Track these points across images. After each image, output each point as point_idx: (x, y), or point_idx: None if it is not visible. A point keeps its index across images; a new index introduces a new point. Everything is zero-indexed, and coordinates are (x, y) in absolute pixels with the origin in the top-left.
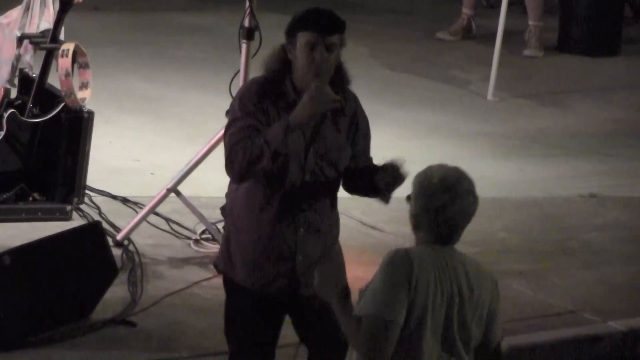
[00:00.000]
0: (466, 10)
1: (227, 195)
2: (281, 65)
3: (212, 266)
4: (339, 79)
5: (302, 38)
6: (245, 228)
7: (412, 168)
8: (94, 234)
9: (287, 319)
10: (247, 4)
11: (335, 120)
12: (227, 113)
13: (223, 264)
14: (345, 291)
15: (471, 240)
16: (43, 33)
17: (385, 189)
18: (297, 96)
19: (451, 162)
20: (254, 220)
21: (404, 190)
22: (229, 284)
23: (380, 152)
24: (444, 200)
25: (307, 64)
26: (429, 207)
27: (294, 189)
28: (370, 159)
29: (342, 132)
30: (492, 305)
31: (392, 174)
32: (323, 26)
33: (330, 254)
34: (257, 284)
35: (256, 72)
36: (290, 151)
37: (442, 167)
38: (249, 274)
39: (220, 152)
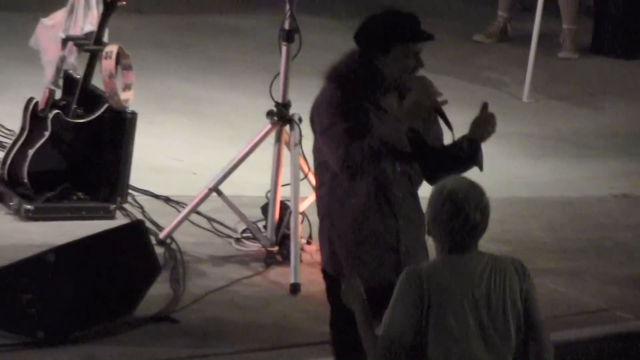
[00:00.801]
0: (502, 13)
1: (317, 196)
2: (366, 71)
3: (253, 263)
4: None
5: (400, 47)
6: (349, 225)
7: None
8: (137, 233)
9: None
10: (287, 6)
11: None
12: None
13: (333, 268)
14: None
15: (506, 238)
16: (87, 35)
17: (482, 139)
18: (382, 95)
19: (486, 163)
20: (358, 216)
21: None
22: (335, 284)
23: None
24: (450, 213)
25: (404, 69)
26: (436, 218)
27: (390, 182)
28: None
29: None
30: (522, 286)
31: (485, 121)
32: (417, 36)
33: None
34: (362, 278)
35: (296, 74)
36: (404, 146)
37: (456, 181)
38: (364, 273)
39: (260, 153)
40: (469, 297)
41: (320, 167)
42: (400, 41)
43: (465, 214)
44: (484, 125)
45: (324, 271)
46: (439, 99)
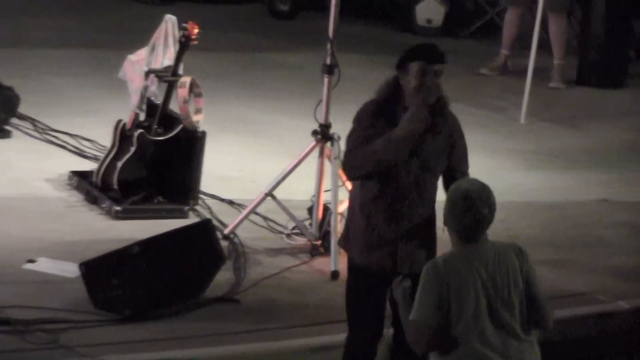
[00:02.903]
0: (504, 51)
1: (350, 193)
2: (393, 91)
3: (301, 254)
4: (441, 103)
5: (415, 66)
6: (361, 217)
7: None
8: (205, 229)
9: None
10: (329, 45)
11: (433, 136)
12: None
13: (344, 243)
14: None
15: (507, 235)
16: (166, 68)
17: None
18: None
19: (490, 173)
20: (368, 211)
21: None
22: (350, 265)
23: None
24: (463, 209)
25: (418, 87)
26: (452, 212)
27: (399, 188)
28: (467, 166)
29: (439, 146)
30: (522, 266)
31: None
32: (431, 56)
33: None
34: (368, 262)
35: (336, 101)
36: (398, 159)
37: (470, 181)
38: (363, 254)
39: (306, 165)
40: (480, 279)
41: None
42: (415, 59)
43: (475, 208)
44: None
45: (340, 244)
46: (428, 123)
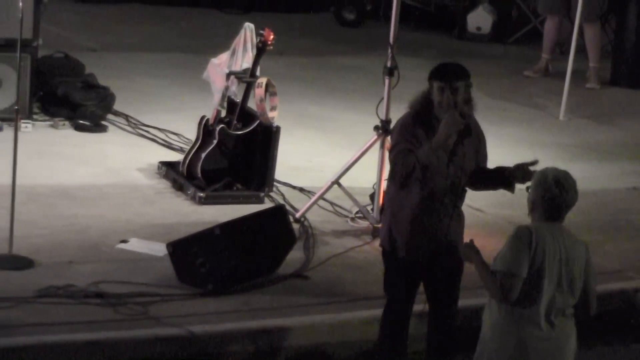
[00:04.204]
0: (545, 56)
1: (385, 194)
2: (426, 103)
3: (363, 236)
4: (468, 109)
5: (435, 85)
6: (405, 217)
7: None
8: (279, 213)
9: None
10: (389, 50)
11: (465, 140)
12: (376, 128)
13: (388, 244)
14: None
15: None
16: (244, 70)
17: (516, 181)
18: (438, 124)
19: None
20: (412, 212)
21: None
22: (390, 257)
23: None
24: (555, 193)
25: (439, 102)
26: (544, 196)
27: (439, 190)
28: (486, 161)
29: (471, 147)
30: (586, 262)
31: (524, 171)
32: (448, 76)
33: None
34: (413, 256)
35: (396, 100)
36: (440, 163)
37: (555, 169)
38: (407, 250)
39: (368, 156)
40: (558, 255)
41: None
42: (435, 79)
43: (566, 191)
44: (522, 173)
45: (382, 246)
46: (463, 126)
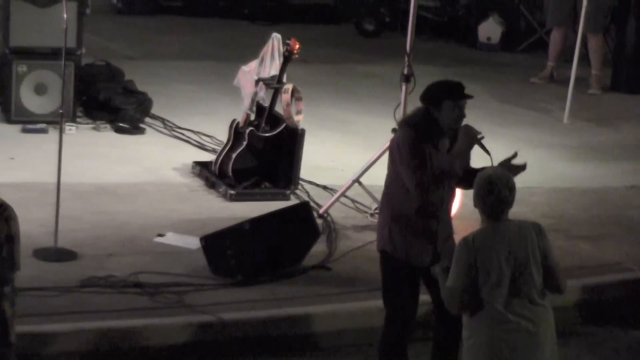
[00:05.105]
0: (550, 63)
1: (383, 195)
2: (425, 120)
3: None
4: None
5: (448, 103)
6: (404, 219)
7: None
8: (304, 210)
9: None
10: (406, 58)
11: (454, 146)
12: (394, 130)
13: (389, 247)
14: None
15: (552, 215)
16: (272, 77)
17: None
18: (440, 137)
19: (538, 164)
20: (411, 215)
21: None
22: (389, 259)
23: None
24: (486, 191)
25: (452, 118)
26: (479, 195)
27: (439, 197)
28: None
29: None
30: (540, 243)
31: (507, 167)
32: (459, 96)
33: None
34: (411, 257)
35: (412, 105)
36: (459, 173)
37: (493, 169)
38: (405, 251)
39: (386, 157)
40: (504, 252)
41: (391, 179)
42: (448, 99)
43: (498, 191)
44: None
45: (383, 250)
46: (479, 136)
